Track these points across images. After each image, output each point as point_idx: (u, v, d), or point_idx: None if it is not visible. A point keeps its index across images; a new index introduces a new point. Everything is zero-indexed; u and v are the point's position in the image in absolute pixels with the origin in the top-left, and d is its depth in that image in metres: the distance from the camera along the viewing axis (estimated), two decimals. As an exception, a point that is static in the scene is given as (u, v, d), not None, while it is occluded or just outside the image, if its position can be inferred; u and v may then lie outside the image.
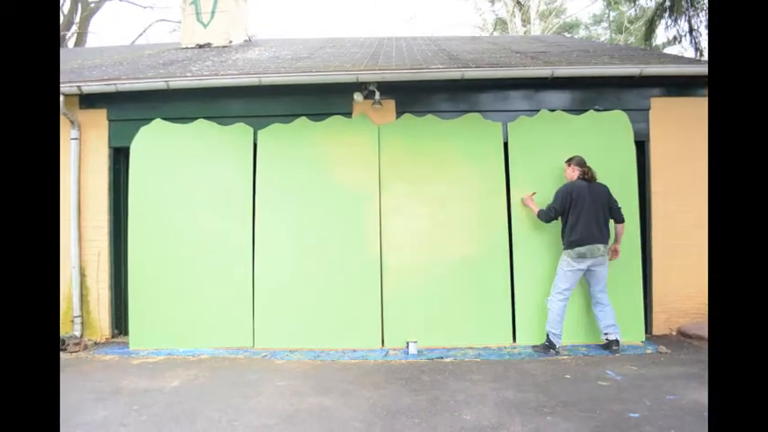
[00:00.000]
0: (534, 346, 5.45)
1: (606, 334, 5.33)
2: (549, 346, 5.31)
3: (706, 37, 9.75)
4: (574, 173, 5.40)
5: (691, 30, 9.72)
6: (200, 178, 6.02)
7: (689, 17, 9.58)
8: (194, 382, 4.65)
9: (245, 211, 5.96)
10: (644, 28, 10.90)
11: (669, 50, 10.74)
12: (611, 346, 5.29)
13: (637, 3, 10.82)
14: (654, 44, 10.58)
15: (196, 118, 6.14)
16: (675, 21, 9.74)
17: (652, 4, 10.29)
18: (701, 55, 9.70)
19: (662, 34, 10.62)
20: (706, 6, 9.01)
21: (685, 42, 10.29)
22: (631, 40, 20.67)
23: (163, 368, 5.13)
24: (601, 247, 5.18)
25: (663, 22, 10.01)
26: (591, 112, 6.01)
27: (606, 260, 5.29)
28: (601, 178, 5.67)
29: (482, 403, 3.96)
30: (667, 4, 9.44)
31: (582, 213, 5.19)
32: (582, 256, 5.16)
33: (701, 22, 9.50)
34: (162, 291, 5.87)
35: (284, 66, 6.84)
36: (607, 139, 5.91)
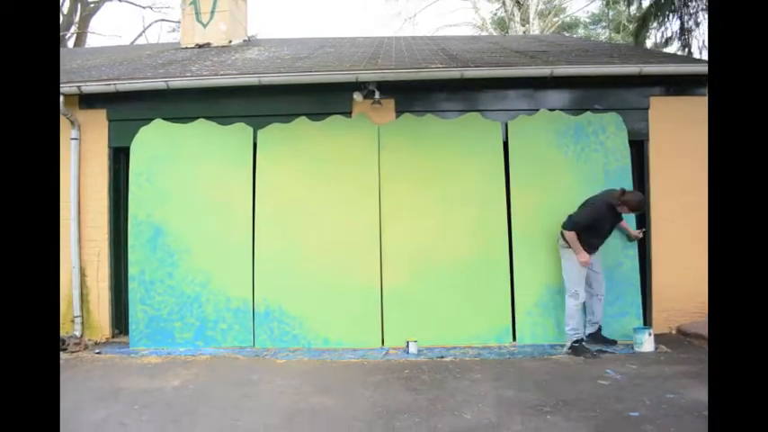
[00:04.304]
0: None
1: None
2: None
3: (697, 37, 9.76)
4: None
5: (682, 29, 9.68)
6: (199, 178, 6.02)
7: (681, 16, 9.54)
8: (195, 382, 4.66)
9: (245, 209, 5.96)
10: (635, 25, 10.86)
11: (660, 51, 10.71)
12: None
13: (632, 3, 10.77)
14: (646, 44, 10.55)
15: (196, 118, 6.14)
16: (665, 21, 9.70)
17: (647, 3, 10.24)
18: (691, 54, 9.67)
19: (653, 35, 10.62)
20: (696, 6, 8.99)
21: (677, 44, 10.29)
22: (630, 39, 20.67)
23: (163, 368, 5.13)
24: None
25: (655, 22, 9.98)
26: (587, 113, 6.01)
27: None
28: (597, 178, 5.79)
29: (482, 402, 3.96)
30: (662, 1, 9.40)
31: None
32: None
33: (697, 22, 9.46)
34: (161, 290, 5.87)
35: (284, 65, 6.84)
36: (603, 141, 5.92)
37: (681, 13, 9.32)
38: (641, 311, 5.73)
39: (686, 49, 9.81)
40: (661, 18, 9.68)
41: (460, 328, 5.70)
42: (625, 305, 5.69)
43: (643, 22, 10.05)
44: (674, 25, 9.78)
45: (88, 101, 6.30)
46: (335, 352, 5.56)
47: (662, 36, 10.24)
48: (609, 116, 5.97)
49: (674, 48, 10.39)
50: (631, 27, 19.50)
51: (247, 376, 4.79)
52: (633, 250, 5.78)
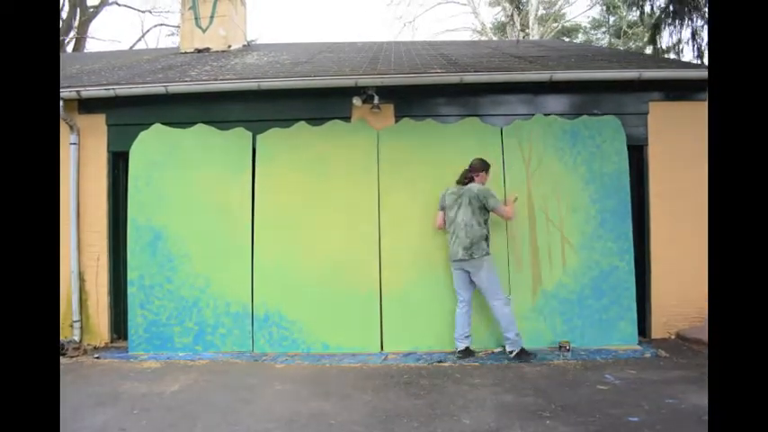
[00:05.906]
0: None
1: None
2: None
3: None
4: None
5: (693, 35, 9.73)
6: (199, 182, 6.02)
7: (693, 22, 9.58)
8: (194, 387, 4.65)
9: (244, 214, 5.95)
10: (648, 33, 10.90)
11: (671, 55, 10.75)
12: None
13: (642, 7, 10.80)
14: (658, 47, 10.59)
15: (195, 122, 6.14)
16: (680, 25, 9.75)
17: (656, 10, 10.26)
18: (702, 60, 9.69)
19: (665, 39, 10.65)
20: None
21: (687, 48, 10.34)
22: (631, 44, 20.71)
23: (162, 372, 5.12)
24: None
25: (667, 27, 10.02)
26: (584, 116, 6.01)
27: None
28: (594, 183, 5.80)
29: (481, 407, 3.96)
30: (671, 9, 9.44)
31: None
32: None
33: (704, 28, 9.49)
34: (161, 294, 5.87)
35: (283, 70, 6.85)
36: (600, 144, 5.92)
37: (693, 18, 9.35)
38: (636, 316, 5.71)
39: (698, 52, 9.84)
40: (673, 26, 9.74)
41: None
42: (621, 310, 5.67)
43: (656, 30, 10.11)
44: (685, 32, 9.82)
45: (87, 106, 6.30)
46: (334, 357, 5.55)
47: (676, 40, 10.30)
48: (606, 120, 5.96)
49: (686, 53, 10.46)
50: (634, 32, 19.55)
51: (246, 381, 4.78)
52: (629, 254, 5.76)
